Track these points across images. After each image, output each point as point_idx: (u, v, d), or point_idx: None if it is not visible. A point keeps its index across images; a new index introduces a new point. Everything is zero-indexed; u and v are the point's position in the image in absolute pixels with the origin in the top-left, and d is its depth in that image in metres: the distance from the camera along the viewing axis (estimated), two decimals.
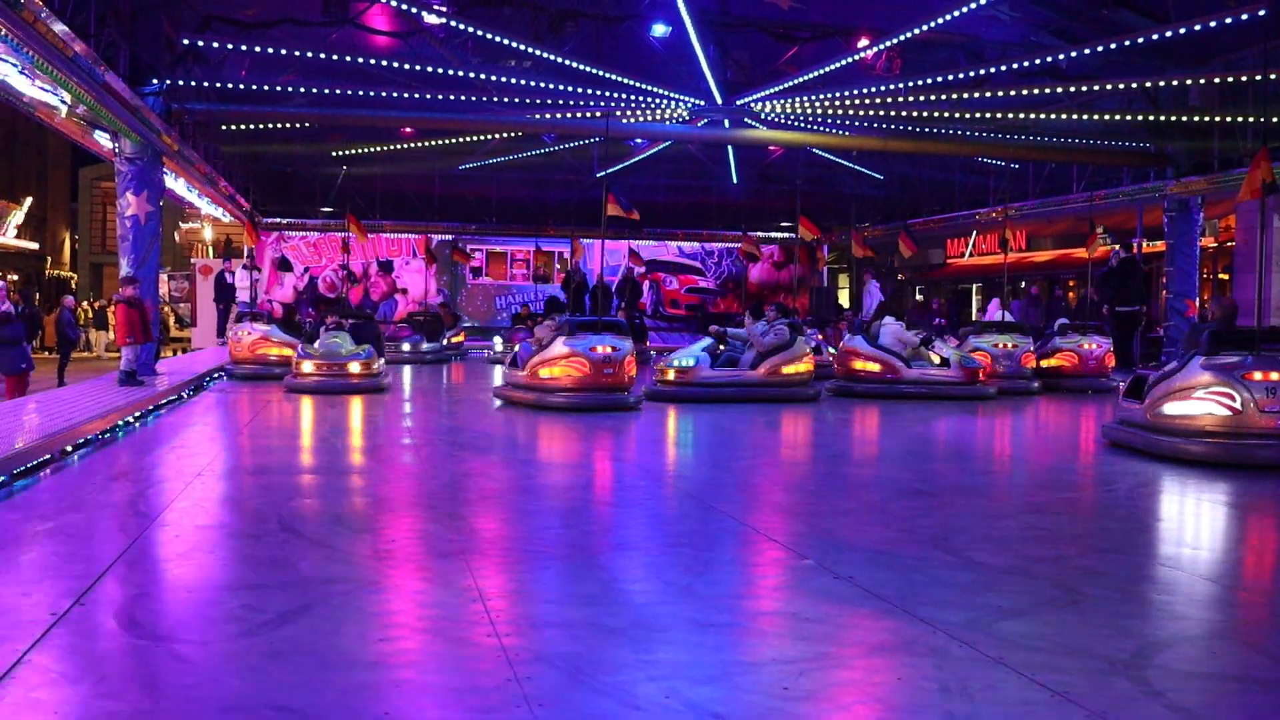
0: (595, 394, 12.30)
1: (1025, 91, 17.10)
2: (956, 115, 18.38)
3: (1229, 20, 13.45)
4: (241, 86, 17.74)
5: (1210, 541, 6.44)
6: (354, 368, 14.44)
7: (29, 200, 38.63)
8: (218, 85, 17.42)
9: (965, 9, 13.86)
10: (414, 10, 15.63)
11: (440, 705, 3.50)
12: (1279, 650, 4.17)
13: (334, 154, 23.99)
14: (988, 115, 18.48)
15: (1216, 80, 16.62)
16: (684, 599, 4.72)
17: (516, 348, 13.96)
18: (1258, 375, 8.49)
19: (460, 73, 16.89)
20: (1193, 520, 7.08)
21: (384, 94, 17.61)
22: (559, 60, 16.31)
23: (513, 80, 17.24)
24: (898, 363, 14.34)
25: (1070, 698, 3.49)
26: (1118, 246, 19.32)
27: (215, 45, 16.25)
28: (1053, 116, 18.55)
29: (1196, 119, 17.78)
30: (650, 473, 8.63)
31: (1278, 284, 22.19)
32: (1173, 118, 17.85)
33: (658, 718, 3.34)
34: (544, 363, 12.54)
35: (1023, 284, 27.75)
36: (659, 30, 17.91)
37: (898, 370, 14.31)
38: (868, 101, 17.37)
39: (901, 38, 15.55)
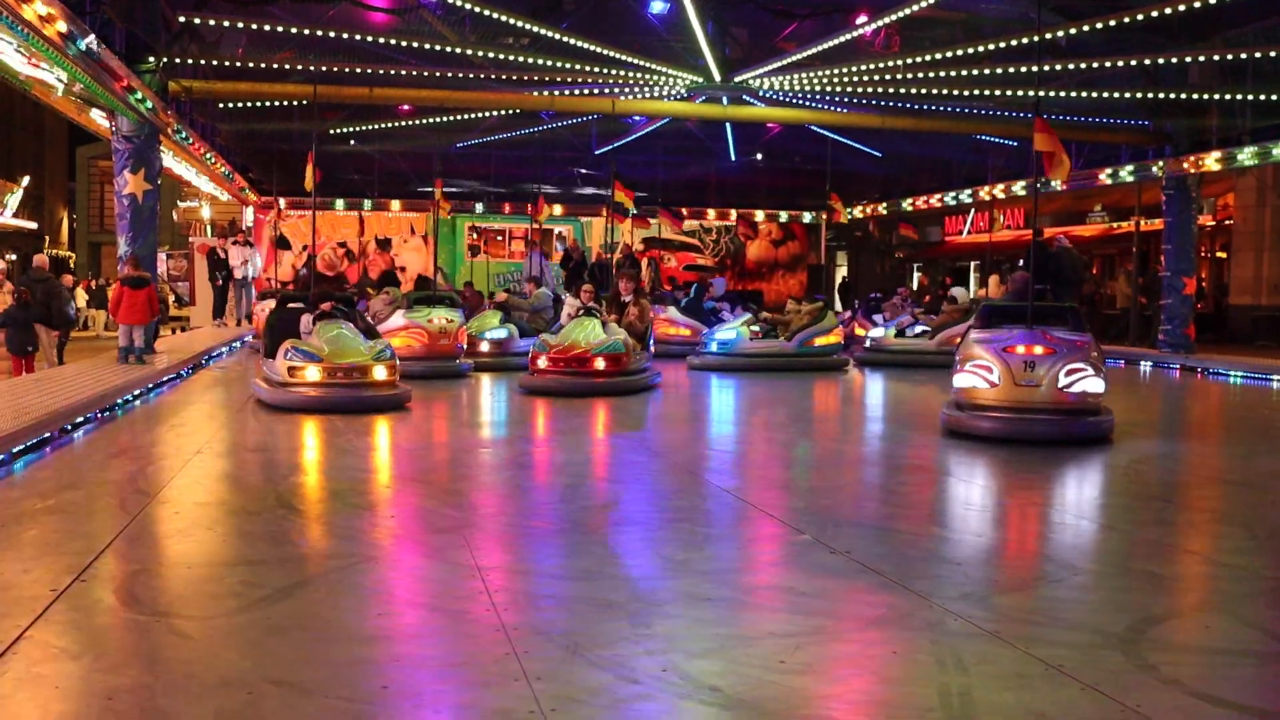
0: (432, 362, 13.46)
1: (1024, 69, 17.04)
2: (955, 92, 18.31)
3: None
4: (239, 64, 17.66)
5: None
6: (378, 372, 10.40)
7: (26, 179, 38.54)
8: (215, 63, 17.34)
9: None
10: None
11: (439, 679, 3.53)
12: (1270, 624, 4.21)
13: (332, 131, 23.90)
14: (986, 93, 18.40)
15: (1216, 58, 16.56)
16: (680, 574, 4.75)
17: None
18: (1020, 349, 8.71)
19: (458, 50, 16.81)
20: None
21: (381, 71, 17.54)
22: (557, 37, 16.23)
23: (510, 57, 17.16)
24: None
25: (1064, 671, 3.52)
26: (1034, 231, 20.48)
27: (212, 22, 16.17)
28: (1052, 94, 18.48)
29: (1195, 96, 17.73)
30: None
31: (1274, 263, 22.26)
32: (1171, 95, 17.79)
33: (655, 691, 3.37)
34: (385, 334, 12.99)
35: (1020, 262, 27.71)
36: (657, 7, 17.82)
37: None
38: (866, 79, 17.31)
39: (900, 14, 15.47)
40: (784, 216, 30.99)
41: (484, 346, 15.03)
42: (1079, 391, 8.64)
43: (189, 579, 4.67)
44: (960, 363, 9.03)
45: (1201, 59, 16.87)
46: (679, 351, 16.75)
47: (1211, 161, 17.47)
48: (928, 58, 16.40)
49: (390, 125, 23.80)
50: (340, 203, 27.92)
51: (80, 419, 9.02)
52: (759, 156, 28.18)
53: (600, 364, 11.79)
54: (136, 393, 11.08)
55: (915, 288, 26.64)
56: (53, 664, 3.54)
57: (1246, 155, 16.79)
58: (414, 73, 17.54)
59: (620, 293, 13.37)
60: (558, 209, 27.05)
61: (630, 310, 13.05)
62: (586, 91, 18.85)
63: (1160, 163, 18.39)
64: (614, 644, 3.76)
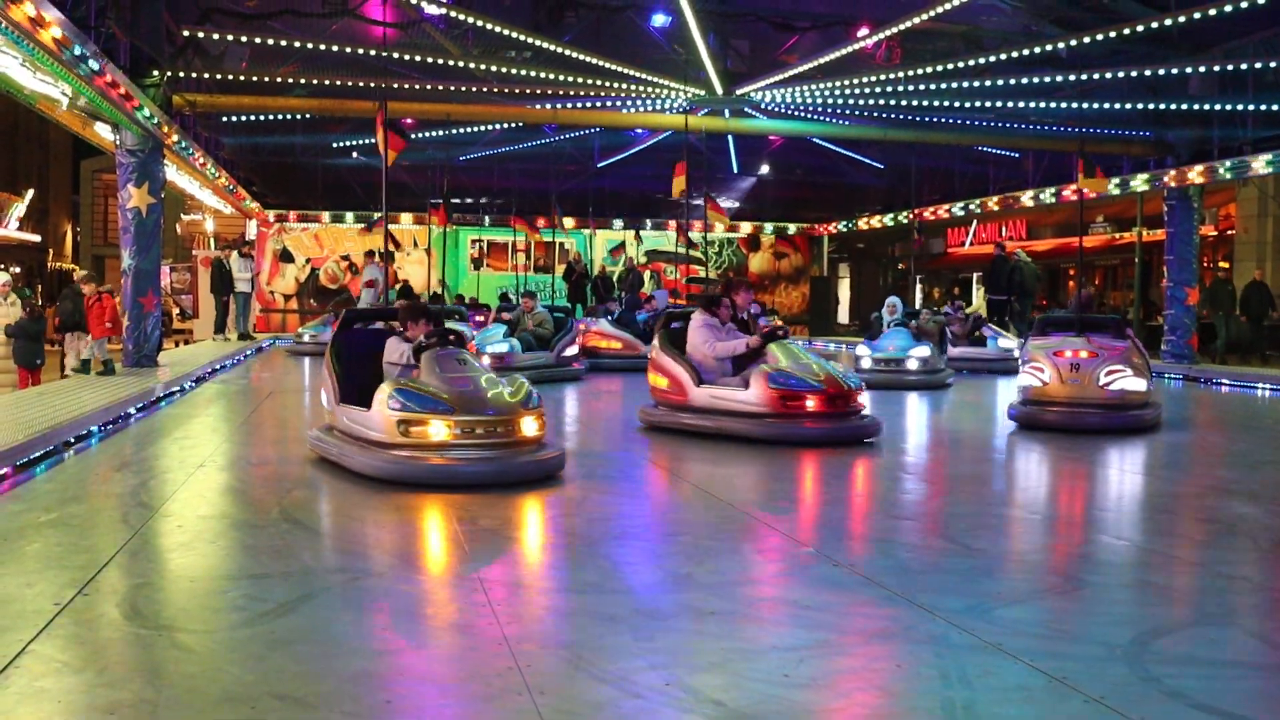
0: None
1: (1025, 80, 17.09)
2: (957, 105, 18.36)
3: (1228, 9, 13.44)
4: (242, 78, 17.73)
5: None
6: (528, 426, 7.21)
7: (30, 192, 38.61)
8: (218, 77, 17.41)
9: None
10: (414, 1, 15.61)
11: (442, 693, 3.52)
12: (1276, 637, 4.20)
13: (335, 145, 23.99)
14: (988, 104, 18.46)
15: (1216, 69, 16.59)
16: (684, 587, 4.74)
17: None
18: (1068, 353, 10.14)
19: (460, 63, 16.87)
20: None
21: (384, 85, 17.59)
22: (559, 50, 16.28)
23: (513, 71, 17.23)
24: None
25: (1068, 683, 3.52)
26: (995, 243, 21.48)
27: (216, 37, 16.25)
28: (1053, 105, 18.53)
29: (1196, 107, 17.77)
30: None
31: (1276, 273, 22.23)
32: (1173, 106, 17.83)
33: (659, 705, 3.36)
34: None
35: (979, 275, 27.85)
36: (659, 20, 17.91)
37: None
38: (868, 91, 17.35)
39: (901, 27, 15.52)
40: (792, 229, 31.02)
41: (485, 360, 14.90)
42: (1118, 389, 9.97)
43: (192, 593, 4.67)
44: (1023, 365, 10.56)
45: (1202, 70, 16.91)
46: (611, 365, 16.67)
47: (1224, 171, 17.38)
48: (929, 70, 16.44)
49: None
50: (350, 215, 27.97)
51: (84, 431, 9.03)
52: (765, 169, 28.25)
53: None
54: (140, 405, 11.09)
55: (922, 299, 26.71)
56: (55, 678, 3.53)
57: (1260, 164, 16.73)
58: (417, 86, 17.60)
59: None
60: (569, 221, 27.02)
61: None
62: (589, 105, 18.90)
63: (1172, 172, 18.33)
64: (617, 658, 3.75)
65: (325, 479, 7.45)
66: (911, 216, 23.30)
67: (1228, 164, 17.23)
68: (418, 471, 6.86)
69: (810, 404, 8.90)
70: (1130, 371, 9.98)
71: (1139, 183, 19.26)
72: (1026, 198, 22.39)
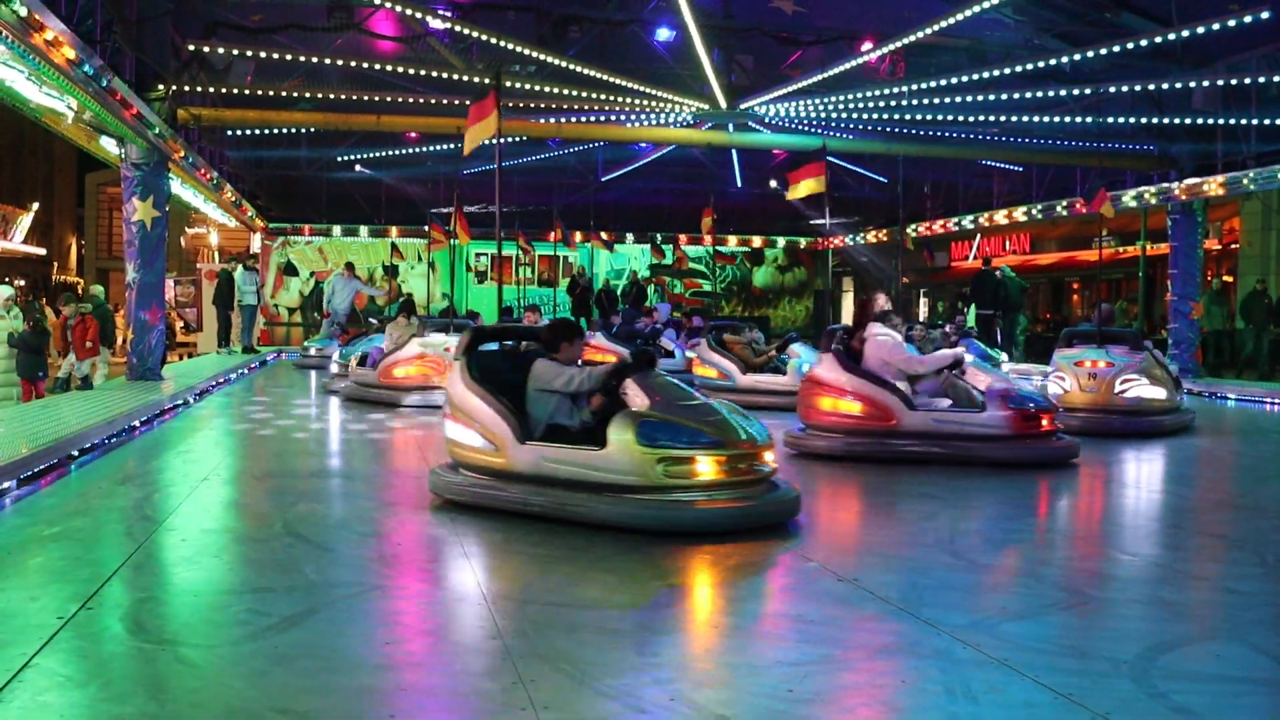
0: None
1: (1029, 95, 17.11)
2: (960, 119, 18.39)
3: (1231, 23, 13.47)
4: (247, 92, 17.79)
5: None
6: (770, 459, 6.35)
7: (36, 206, 38.75)
8: (224, 91, 17.47)
9: (969, 12, 13.86)
10: (418, 15, 15.67)
11: (446, 708, 3.51)
12: None
13: (340, 159, 24.06)
14: (991, 119, 18.49)
15: (1219, 83, 16.61)
16: (687, 601, 4.73)
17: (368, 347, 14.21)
18: (1087, 364, 11.00)
19: (465, 77, 16.92)
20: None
21: (389, 99, 17.65)
22: (564, 65, 16.33)
23: (517, 85, 17.27)
24: None
25: (1074, 699, 3.50)
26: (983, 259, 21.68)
27: (221, 51, 16.31)
28: (1056, 119, 18.56)
29: (1200, 121, 17.77)
30: None
31: None
32: (1176, 120, 17.85)
33: None
34: (397, 363, 12.80)
35: (966, 290, 27.83)
36: (663, 34, 17.95)
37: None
38: (872, 105, 17.38)
39: (905, 41, 15.55)
40: (802, 243, 31.05)
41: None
42: (1134, 396, 10.73)
43: (195, 607, 4.66)
44: (1050, 375, 11.49)
45: (1205, 84, 16.93)
46: None
47: (1247, 181, 17.17)
48: (933, 84, 16.46)
49: (398, 152, 23.94)
50: (365, 230, 28.00)
51: (88, 445, 9.03)
52: (773, 184, 28.31)
53: None
54: (144, 419, 11.09)
55: (928, 313, 26.73)
56: (58, 693, 3.53)
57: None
58: (421, 100, 17.65)
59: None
60: (577, 235, 27.05)
61: None
62: (593, 119, 18.94)
63: (1177, 185, 18.31)
64: (621, 672, 3.74)
65: (329, 493, 7.45)
66: (919, 232, 23.31)
67: (1250, 175, 16.91)
68: (683, 518, 5.90)
69: (1044, 423, 8.66)
70: (1146, 380, 10.74)
71: (1150, 195, 19.27)
72: (1027, 211, 22.38)
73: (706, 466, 5.91)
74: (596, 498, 5.99)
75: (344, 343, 17.52)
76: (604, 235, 25.90)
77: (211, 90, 17.15)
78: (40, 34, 9.33)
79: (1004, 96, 17.12)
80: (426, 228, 20.76)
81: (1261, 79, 15.78)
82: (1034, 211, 22.24)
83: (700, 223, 19.01)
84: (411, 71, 16.80)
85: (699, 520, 5.89)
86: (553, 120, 18.96)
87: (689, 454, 5.90)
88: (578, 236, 27.06)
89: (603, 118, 18.78)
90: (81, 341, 15.06)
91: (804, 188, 14.59)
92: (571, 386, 6.42)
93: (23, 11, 8.82)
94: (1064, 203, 21.33)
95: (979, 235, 28.87)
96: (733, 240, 30.51)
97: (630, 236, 29.26)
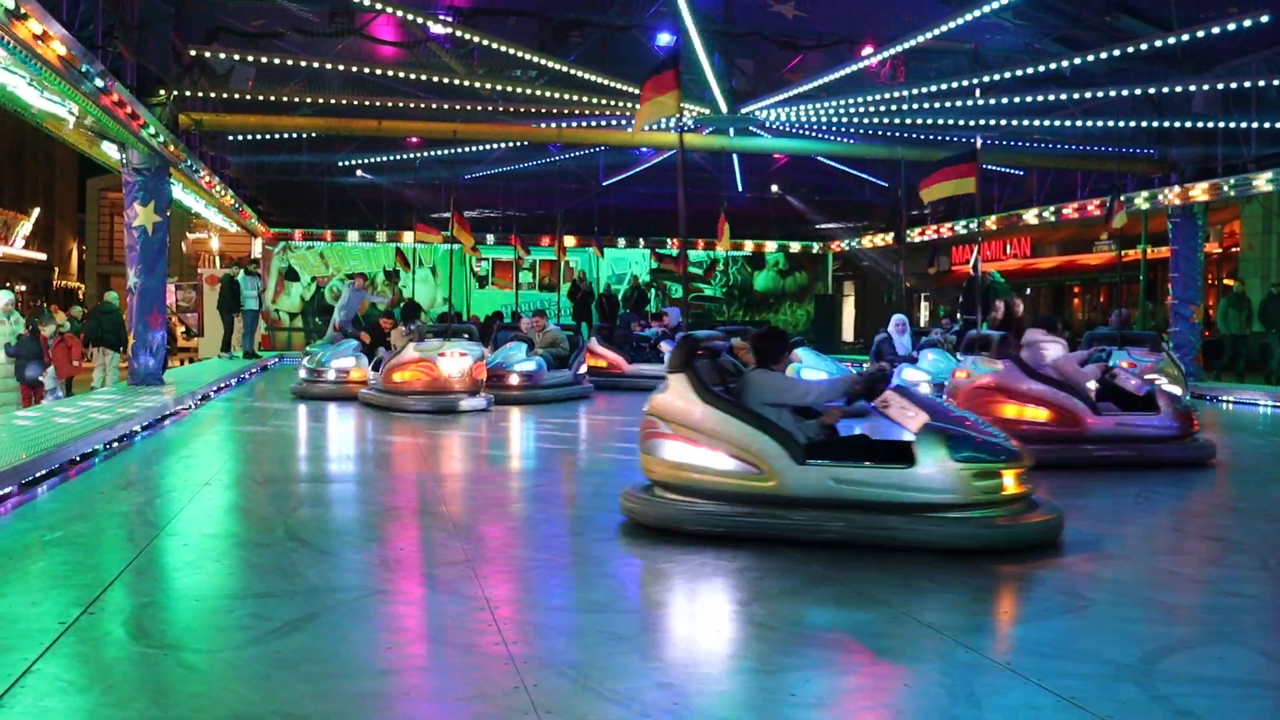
0: (442, 397, 12.82)
1: (1029, 99, 17.12)
2: (961, 123, 18.40)
3: (1231, 27, 13.48)
4: (248, 97, 17.81)
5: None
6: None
7: (37, 211, 38.78)
8: (225, 96, 17.48)
9: (969, 16, 13.88)
10: (420, 20, 15.69)
11: (448, 713, 3.51)
12: None
13: (341, 163, 24.08)
14: (992, 122, 18.50)
15: (1220, 87, 16.62)
16: (690, 605, 4.73)
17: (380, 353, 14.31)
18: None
19: (466, 82, 16.94)
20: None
21: (390, 104, 17.67)
22: (564, 70, 16.34)
23: (518, 90, 17.29)
24: None
25: (1076, 703, 3.50)
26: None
27: (222, 56, 16.32)
28: (1057, 123, 18.57)
29: (1200, 125, 17.78)
30: None
31: None
32: (1176, 124, 17.85)
33: None
34: (396, 367, 12.89)
35: (961, 299, 27.83)
36: (664, 39, 17.95)
37: None
38: (872, 109, 17.39)
39: (906, 45, 15.57)
40: (795, 247, 31.04)
41: (513, 379, 14.56)
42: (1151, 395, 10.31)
43: (197, 612, 4.66)
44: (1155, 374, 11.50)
45: (1206, 88, 16.94)
46: (599, 382, 16.61)
47: (1263, 183, 17.02)
48: (933, 88, 16.48)
49: (399, 157, 23.96)
50: (382, 235, 27.96)
51: (89, 449, 9.04)
52: (775, 189, 28.31)
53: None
54: (145, 424, 11.09)
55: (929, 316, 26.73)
56: (60, 697, 3.53)
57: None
58: (422, 105, 17.67)
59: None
60: (570, 240, 27.02)
61: None
62: (594, 124, 18.96)
63: (1176, 190, 18.30)
64: (624, 677, 3.74)
65: (331, 498, 7.43)
66: (922, 233, 23.30)
67: (1269, 175, 16.74)
68: (996, 536, 5.65)
69: (1195, 424, 9.27)
70: (1165, 380, 10.97)
71: (1143, 200, 19.28)
72: (1032, 215, 22.39)
73: (1010, 480, 5.74)
74: (912, 519, 5.61)
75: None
76: (591, 245, 25.77)
77: (213, 95, 17.17)
78: (46, 43, 9.33)
79: (1004, 100, 17.13)
80: (412, 234, 20.68)
81: (1262, 82, 15.79)
82: (1045, 214, 22.23)
83: (715, 227, 19.10)
84: (413, 77, 16.82)
85: (1022, 536, 5.68)
86: (554, 125, 18.98)
87: (996, 468, 5.68)
88: (570, 241, 27.07)
89: (603, 122, 18.79)
90: (66, 360, 15.10)
91: (946, 188, 14.42)
92: (808, 399, 6.05)
93: (29, 25, 8.83)
94: (1073, 205, 21.34)
95: (981, 239, 28.86)
96: (748, 245, 30.47)
97: (622, 241, 29.24)
